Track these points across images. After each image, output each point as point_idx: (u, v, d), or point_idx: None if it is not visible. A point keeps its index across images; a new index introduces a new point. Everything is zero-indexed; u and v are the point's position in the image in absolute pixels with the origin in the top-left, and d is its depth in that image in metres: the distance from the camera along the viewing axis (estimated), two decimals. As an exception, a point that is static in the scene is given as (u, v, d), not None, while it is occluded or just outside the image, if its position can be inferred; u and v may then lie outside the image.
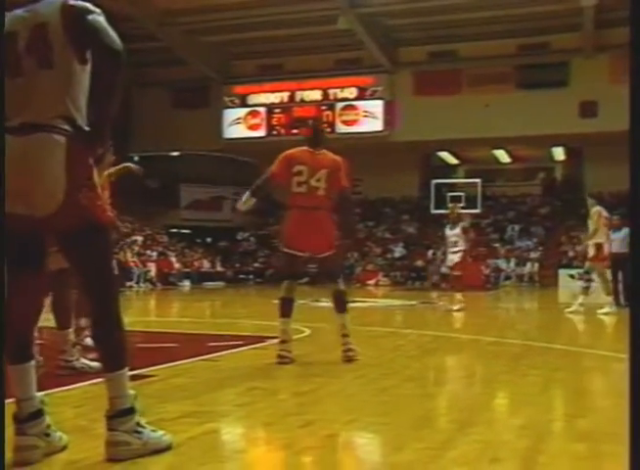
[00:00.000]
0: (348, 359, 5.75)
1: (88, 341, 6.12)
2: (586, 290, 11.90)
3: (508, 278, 28.42)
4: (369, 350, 6.26)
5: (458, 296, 12.47)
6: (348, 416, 3.76)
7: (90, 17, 2.84)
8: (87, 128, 2.91)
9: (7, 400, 2.89)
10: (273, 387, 4.63)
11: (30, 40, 2.87)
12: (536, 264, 28.62)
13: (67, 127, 2.85)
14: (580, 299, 11.78)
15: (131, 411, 2.92)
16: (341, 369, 5.52)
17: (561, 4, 27.00)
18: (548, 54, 30.23)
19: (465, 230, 12.73)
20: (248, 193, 5.94)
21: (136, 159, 25.51)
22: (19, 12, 2.95)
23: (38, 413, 2.90)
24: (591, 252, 11.80)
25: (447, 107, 30.08)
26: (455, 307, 12.04)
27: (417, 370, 5.70)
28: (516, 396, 4.59)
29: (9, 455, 2.77)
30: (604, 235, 11.90)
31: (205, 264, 29.99)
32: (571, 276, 27.15)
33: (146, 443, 2.91)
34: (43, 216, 2.81)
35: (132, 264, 24.21)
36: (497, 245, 30.25)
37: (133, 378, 4.35)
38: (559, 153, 34.20)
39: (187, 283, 27.18)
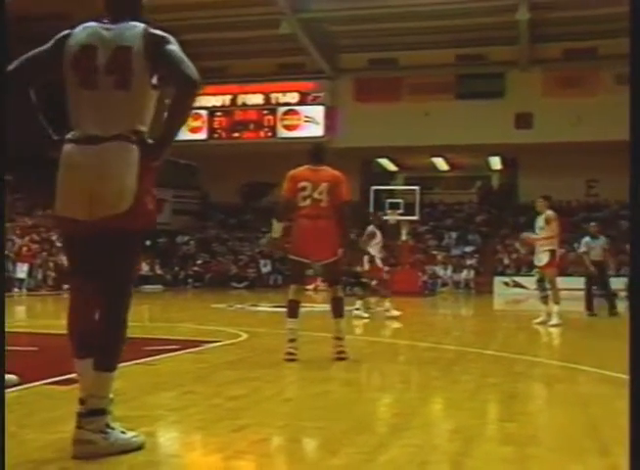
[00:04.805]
0: (340, 359, 6.24)
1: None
2: (545, 299, 11.22)
3: (445, 285, 28.81)
4: (306, 354, 6.29)
5: (373, 300, 12.52)
6: (282, 421, 3.79)
7: (169, 47, 3.10)
8: (150, 141, 3.09)
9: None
10: (208, 391, 4.62)
11: (112, 60, 3.04)
12: (472, 271, 29.10)
13: (135, 138, 3.04)
14: (555, 308, 10.93)
15: (103, 412, 3.01)
16: (277, 374, 5.55)
17: (497, 16, 27.59)
18: (484, 65, 30.83)
19: (370, 236, 12.14)
20: (274, 221, 6.63)
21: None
22: (94, 25, 3.12)
23: (99, 411, 3.01)
24: (544, 259, 11.11)
25: (387, 114, 30.39)
26: (365, 315, 11.83)
27: (353, 375, 5.76)
28: (448, 401, 4.68)
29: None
30: (557, 241, 11.40)
31: (144, 267, 29.63)
32: (506, 284, 27.72)
33: (113, 443, 2.99)
34: (106, 217, 2.98)
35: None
36: (435, 252, 30.64)
37: (68, 382, 4.31)
38: (496, 162, 34.84)
39: (124, 286, 26.77)
